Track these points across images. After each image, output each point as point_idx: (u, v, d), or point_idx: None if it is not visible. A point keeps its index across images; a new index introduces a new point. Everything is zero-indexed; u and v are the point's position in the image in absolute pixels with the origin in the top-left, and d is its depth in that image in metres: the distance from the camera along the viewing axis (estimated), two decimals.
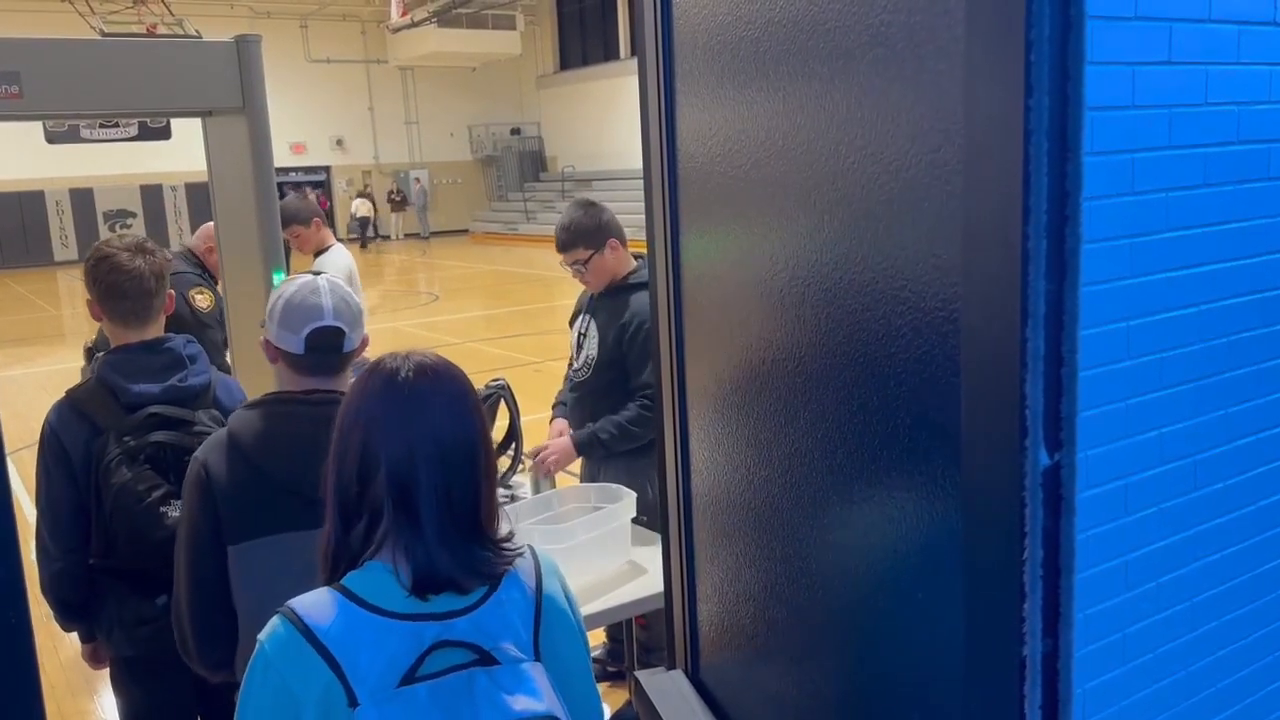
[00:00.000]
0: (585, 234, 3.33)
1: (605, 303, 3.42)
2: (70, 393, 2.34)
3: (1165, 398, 1.00)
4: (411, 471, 1.36)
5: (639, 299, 3.30)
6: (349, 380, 2.01)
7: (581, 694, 1.50)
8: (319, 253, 4.81)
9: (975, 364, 0.95)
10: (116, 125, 7.35)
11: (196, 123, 4.06)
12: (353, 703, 1.28)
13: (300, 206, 4.82)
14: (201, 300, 4.50)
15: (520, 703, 1.33)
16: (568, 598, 1.51)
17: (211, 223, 4.44)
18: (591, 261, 3.34)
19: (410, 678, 1.31)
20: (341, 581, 1.37)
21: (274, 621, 1.36)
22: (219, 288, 4.60)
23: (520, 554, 1.48)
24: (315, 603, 1.35)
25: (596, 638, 3.76)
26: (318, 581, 1.40)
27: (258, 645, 1.36)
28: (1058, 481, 0.91)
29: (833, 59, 1.17)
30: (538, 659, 1.41)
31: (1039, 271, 0.87)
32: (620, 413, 3.33)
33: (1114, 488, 0.97)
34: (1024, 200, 0.87)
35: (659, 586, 2.12)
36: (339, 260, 4.74)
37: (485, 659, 1.35)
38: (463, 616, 1.37)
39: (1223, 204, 1.00)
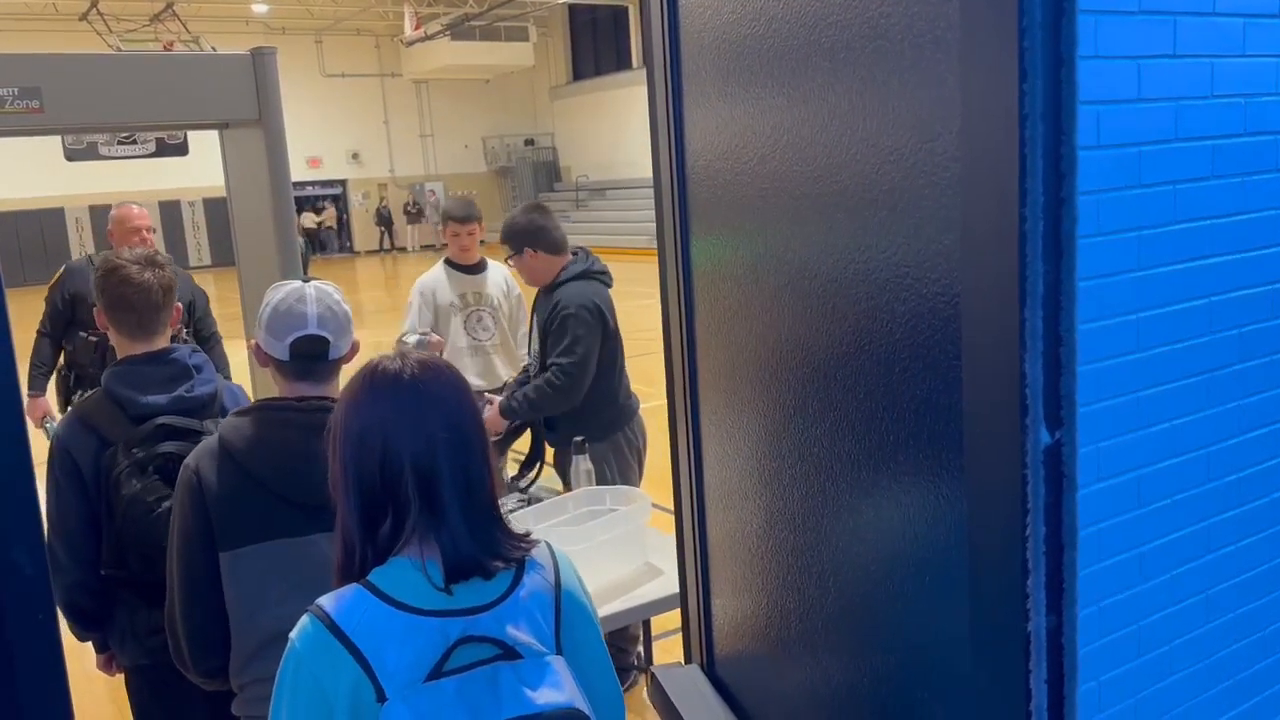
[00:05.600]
0: (511, 235, 3.73)
1: (540, 302, 3.76)
2: (77, 407, 2.36)
3: (1177, 390, 1.01)
4: (433, 462, 1.40)
5: (563, 292, 3.61)
6: (339, 387, 2.04)
7: (603, 686, 1.52)
8: None
9: (975, 346, 0.97)
10: (134, 142, 7.39)
11: (214, 139, 4.12)
12: (381, 698, 1.31)
13: None
14: None
15: (544, 695, 1.35)
16: (585, 593, 1.54)
17: (121, 206, 4.56)
18: (512, 262, 3.78)
19: (437, 672, 1.34)
20: (369, 579, 1.40)
21: (304, 620, 1.39)
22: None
23: (536, 544, 1.51)
24: (344, 600, 1.38)
25: None
26: (329, 586, 1.43)
27: (289, 643, 1.39)
28: (1059, 459, 0.92)
29: (834, 52, 1.19)
30: (559, 652, 1.44)
31: (1036, 253, 0.89)
32: (529, 385, 3.63)
33: (1127, 480, 0.98)
34: (1020, 184, 0.89)
35: (675, 587, 2.13)
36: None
37: (509, 653, 1.38)
38: (486, 612, 1.40)
39: (1231, 195, 1.01)
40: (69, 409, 2.41)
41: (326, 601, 1.38)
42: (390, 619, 1.35)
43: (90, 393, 2.39)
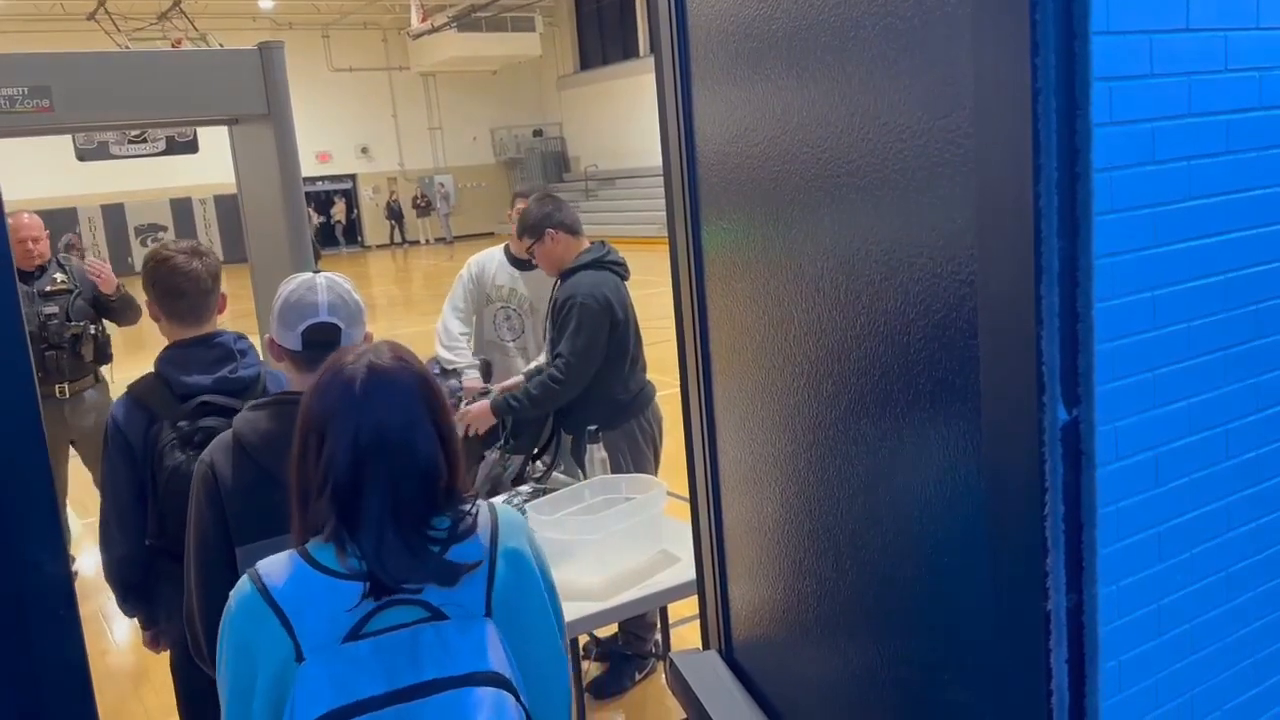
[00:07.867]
0: (527, 225, 3.74)
1: (554, 290, 3.78)
2: (131, 388, 2.48)
3: (1193, 367, 1.00)
4: (358, 473, 1.38)
5: (573, 281, 3.63)
6: None
7: (542, 650, 1.50)
8: None
9: (992, 324, 0.96)
10: (145, 140, 7.40)
11: (223, 136, 4.12)
12: (300, 658, 1.34)
13: None
14: None
15: (464, 659, 1.36)
16: (535, 555, 1.53)
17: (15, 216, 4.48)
18: (534, 250, 3.74)
19: (355, 634, 1.36)
20: (306, 545, 1.42)
21: (241, 581, 1.42)
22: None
23: (477, 511, 1.48)
24: (275, 564, 1.41)
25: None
26: None
27: (228, 603, 1.42)
28: (1076, 436, 0.92)
29: (843, 31, 1.18)
30: (489, 615, 1.43)
31: (1051, 228, 0.88)
32: (533, 382, 3.62)
33: (1144, 459, 0.97)
34: (1034, 159, 0.88)
35: (691, 574, 2.13)
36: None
37: (436, 615, 1.39)
38: None
39: (1246, 171, 1.00)
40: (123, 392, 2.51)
41: (263, 565, 1.41)
42: (314, 582, 1.38)
43: (143, 375, 2.48)
